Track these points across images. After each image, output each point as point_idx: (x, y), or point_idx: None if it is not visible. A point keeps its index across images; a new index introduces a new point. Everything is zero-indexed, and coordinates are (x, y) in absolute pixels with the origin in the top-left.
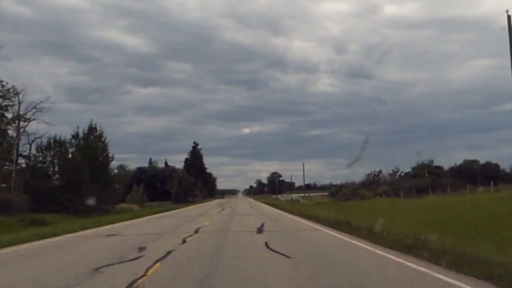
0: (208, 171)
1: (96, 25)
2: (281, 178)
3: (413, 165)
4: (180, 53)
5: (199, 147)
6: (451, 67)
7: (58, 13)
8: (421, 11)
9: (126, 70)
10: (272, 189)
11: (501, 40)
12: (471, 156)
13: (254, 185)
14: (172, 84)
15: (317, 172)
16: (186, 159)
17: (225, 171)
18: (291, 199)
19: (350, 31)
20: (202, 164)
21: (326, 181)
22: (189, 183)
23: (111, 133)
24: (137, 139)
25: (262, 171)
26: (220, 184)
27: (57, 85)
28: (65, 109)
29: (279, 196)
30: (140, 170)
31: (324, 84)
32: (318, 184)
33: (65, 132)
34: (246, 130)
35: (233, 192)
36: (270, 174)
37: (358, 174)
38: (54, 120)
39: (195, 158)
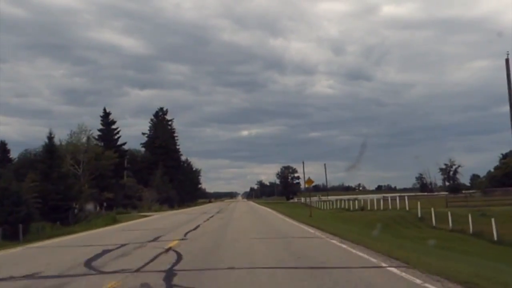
0: (183, 157)
1: (91, 26)
2: (296, 174)
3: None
4: (176, 55)
5: (168, 117)
6: (450, 69)
7: (52, 14)
8: (419, 12)
9: (122, 72)
10: (285, 189)
11: (500, 41)
12: (470, 158)
13: (255, 186)
14: (169, 86)
15: (317, 175)
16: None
17: (224, 173)
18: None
19: (348, 32)
20: (173, 143)
21: (335, 183)
22: (101, 167)
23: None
24: (135, 142)
25: (261, 173)
26: (219, 187)
27: (53, 87)
28: (62, 112)
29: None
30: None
31: (323, 86)
32: (328, 186)
33: (62, 136)
34: (245, 133)
35: (232, 195)
36: (281, 169)
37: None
38: (51, 123)
39: (156, 130)
